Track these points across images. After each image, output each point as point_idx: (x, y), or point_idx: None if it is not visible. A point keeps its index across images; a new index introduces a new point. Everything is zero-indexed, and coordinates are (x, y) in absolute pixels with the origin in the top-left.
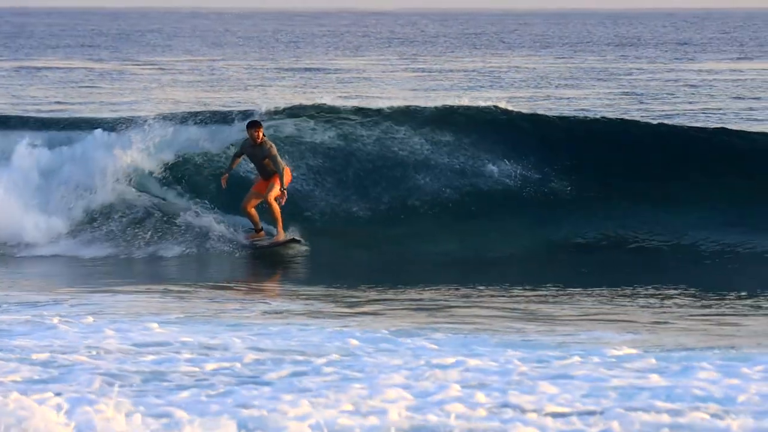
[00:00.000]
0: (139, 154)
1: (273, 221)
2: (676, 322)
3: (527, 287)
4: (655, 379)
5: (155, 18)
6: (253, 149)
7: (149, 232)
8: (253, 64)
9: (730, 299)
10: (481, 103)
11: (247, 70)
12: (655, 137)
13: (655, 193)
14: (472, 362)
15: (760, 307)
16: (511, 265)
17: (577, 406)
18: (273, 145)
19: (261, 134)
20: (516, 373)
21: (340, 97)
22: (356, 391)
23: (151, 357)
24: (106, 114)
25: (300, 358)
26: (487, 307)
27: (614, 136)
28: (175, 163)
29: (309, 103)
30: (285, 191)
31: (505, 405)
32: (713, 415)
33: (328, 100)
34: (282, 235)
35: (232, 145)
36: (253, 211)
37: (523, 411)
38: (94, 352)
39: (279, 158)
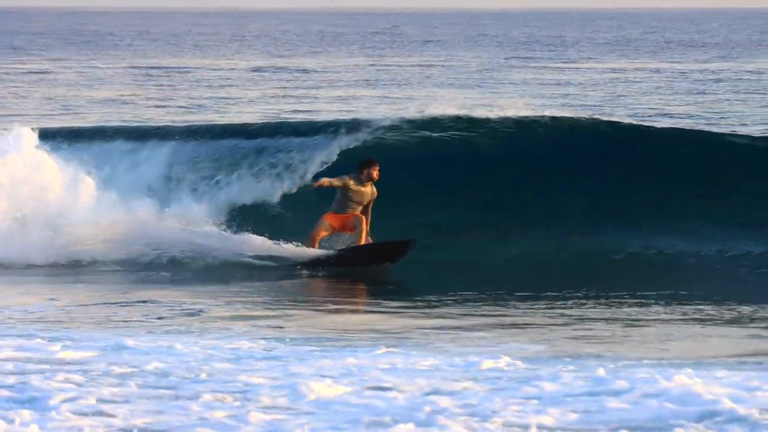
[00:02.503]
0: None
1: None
2: (576, 328)
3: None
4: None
5: (25, 17)
6: (362, 186)
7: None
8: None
9: (637, 305)
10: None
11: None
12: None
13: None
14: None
15: (663, 312)
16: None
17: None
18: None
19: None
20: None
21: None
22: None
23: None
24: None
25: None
26: (400, 316)
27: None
28: None
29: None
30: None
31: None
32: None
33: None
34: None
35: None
36: (317, 245)
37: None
38: None
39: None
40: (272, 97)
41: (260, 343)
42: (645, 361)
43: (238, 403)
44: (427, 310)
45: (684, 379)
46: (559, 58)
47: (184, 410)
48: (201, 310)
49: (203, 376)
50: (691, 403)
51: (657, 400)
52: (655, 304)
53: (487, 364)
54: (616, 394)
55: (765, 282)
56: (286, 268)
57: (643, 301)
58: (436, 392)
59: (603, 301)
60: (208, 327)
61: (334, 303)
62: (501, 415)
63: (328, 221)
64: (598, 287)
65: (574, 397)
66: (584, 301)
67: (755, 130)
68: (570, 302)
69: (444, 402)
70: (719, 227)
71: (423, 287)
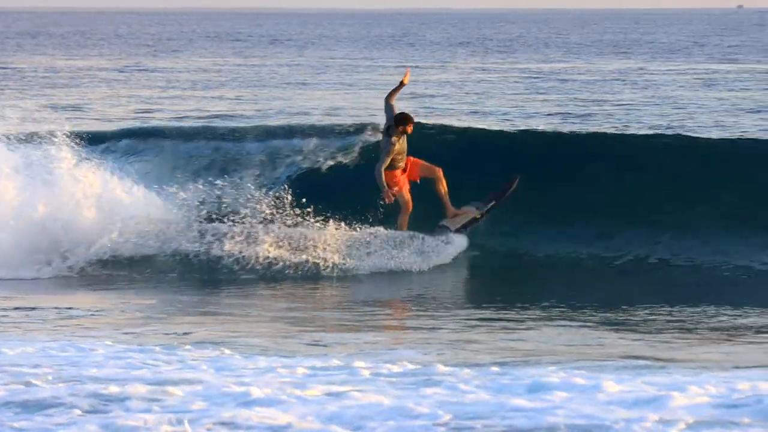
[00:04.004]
0: None
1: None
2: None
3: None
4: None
5: None
6: (399, 141)
7: None
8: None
9: (522, 309)
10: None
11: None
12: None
13: None
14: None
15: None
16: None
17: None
18: None
19: None
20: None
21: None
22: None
23: None
24: None
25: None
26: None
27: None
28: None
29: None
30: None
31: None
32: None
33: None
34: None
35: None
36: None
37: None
38: None
39: None
40: (140, 96)
41: (135, 350)
42: (537, 366)
43: (110, 410)
44: (314, 313)
45: (581, 382)
46: (422, 58)
47: (50, 417)
48: (76, 315)
49: (72, 382)
50: (583, 407)
51: (560, 403)
52: (538, 307)
53: (385, 369)
54: (517, 399)
55: (651, 285)
56: (180, 269)
57: (527, 305)
58: (336, 397)
59: (491, 305)
60: (82, 334)
61: (220, 306)
62: (396, 420)
63: (405, 193)
64: (487, 291)
65: (477, 404)
66: (474, 305)
67: (610, 128)
68: (458, 306)
69: (339, 406)
70: (595, 227)
71: (315, 294)
